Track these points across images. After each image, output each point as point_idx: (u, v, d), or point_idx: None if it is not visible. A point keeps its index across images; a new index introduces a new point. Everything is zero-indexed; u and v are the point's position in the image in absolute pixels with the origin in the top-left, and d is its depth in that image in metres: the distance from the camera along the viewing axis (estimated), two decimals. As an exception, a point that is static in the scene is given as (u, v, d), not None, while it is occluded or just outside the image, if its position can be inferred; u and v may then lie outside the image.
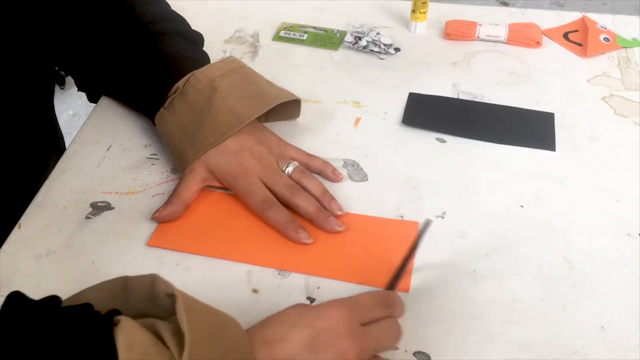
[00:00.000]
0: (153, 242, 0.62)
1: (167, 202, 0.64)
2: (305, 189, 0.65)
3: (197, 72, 0.67)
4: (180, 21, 0.76)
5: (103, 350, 0.40)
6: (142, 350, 0.41)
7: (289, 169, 0.66)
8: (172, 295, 0.44)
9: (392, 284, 0.56)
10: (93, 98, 0.79)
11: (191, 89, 0.66)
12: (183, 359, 0.41)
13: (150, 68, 0.70)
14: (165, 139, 0.68)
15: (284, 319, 0.49)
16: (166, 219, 0.63)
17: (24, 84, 0.70)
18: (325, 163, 0.69)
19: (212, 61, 0.72)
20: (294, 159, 0.68)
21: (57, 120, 0.84)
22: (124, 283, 0.47)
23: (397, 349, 0.53)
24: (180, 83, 0.67)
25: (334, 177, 0.68)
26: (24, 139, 0.73)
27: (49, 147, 0.80)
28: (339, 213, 0.64)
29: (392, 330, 0.52)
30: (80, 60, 0.76)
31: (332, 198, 0.65)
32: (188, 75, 0.67)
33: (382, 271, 0.59)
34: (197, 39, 0.77)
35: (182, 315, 0.42)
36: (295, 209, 0.64)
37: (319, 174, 0.69)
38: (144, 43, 0.71)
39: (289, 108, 0.73)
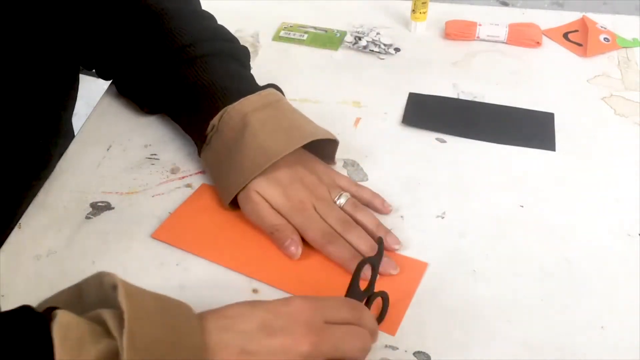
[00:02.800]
0: (158, 234, 0.62)
1: (280, 244, 0.60)
2: (358, 222, 0.62)
3: (230, 108, 0.64)
4: (224, 37, 0.74)
5: (38, 346, 0.39)
6: (77, 339, 0.40)
7: (341, 201, 0.63)
8: (115, 286, 0.43)
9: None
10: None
11: (225, 126, 0.64)
12: (123, 337, 0.40)
13: (188, 102, 0.68)
14: (209, 173, 0.67)
15: (245, 303, 0.48)
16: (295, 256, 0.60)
17: (41, 84, 0.70)
18: (374, 194, 0.65)
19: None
20: (344, 189, 0.65)
21: (70, 121, 0.84)
22: (78, 291, 0.46)
23: None
24: (215, 120, 0.64)
25: (383, 209, 0.65)
26: (29, 139, 0.73)
27: (51, 146, 0.79)
28: (396, 247, 0.61)
29: (357, 334, 0.50)
30: (121, 76, 0.76)
31: (387, 231, 0.62)
32: (222, 112, 0.64)
33: (373, 308, 0.56)
34: (240, 56, 0.74)
35: (121, 296, 0.41)
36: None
37: (367, 205, 0.65)
38: (179, 71, 0.69)
39: (324, 149, 0.68)
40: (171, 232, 0.62)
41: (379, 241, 0.57)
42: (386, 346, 0.54)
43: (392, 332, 0.55)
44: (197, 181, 0.68)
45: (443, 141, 0.74)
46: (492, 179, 0.69)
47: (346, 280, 0.55)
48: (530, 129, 0.76)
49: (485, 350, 0.54)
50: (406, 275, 0.59)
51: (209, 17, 0.76)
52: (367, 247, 0.60)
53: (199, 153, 0.68)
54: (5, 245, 0.62)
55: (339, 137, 0.72)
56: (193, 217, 0.64)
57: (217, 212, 0.65)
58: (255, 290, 0.58)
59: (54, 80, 0.73)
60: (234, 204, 0.64)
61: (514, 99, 0.79)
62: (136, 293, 0.43)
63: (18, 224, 0.64)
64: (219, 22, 0.76)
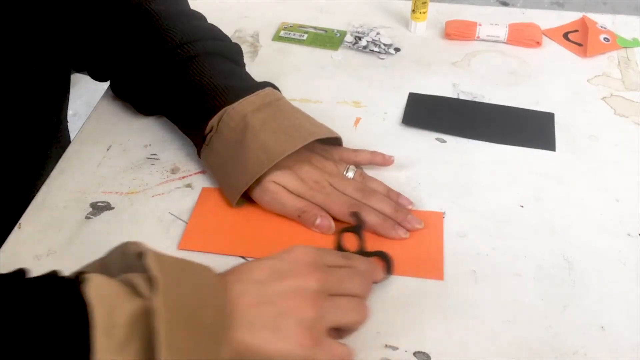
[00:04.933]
0: (184, 245, 0.62)
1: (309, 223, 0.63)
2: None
3: (230, 109, 0.65)
4: (216, 36, 0.74)
5: (72, 305, 0.41)
6: (111, 298, 0.42)
7: (350, 175, 0.66)
8: (141, 253, 0.45)
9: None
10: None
11: (225, 127, 0.64)
12: (157, 296, 0.42)
13: (186, 102, 0.68)
14: (212, 174, 0.68)
15: (253, 260, 0.53)
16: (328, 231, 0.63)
17: (37, 87, 0.70)
18: (372, 153, 0.68)
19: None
20: (345, 161, 0.68)
21: (65, 120, 0.84)
22: (101, 263, 0.48)
23: (363, 319, 0.53)
24: (214, 121, 0.65)
25: (386, 162, 0.68)
26: (27, 139, 0.73)
27: (50, 146, 0.80)
28: (410, 206, 0.65)
29: (356, 274, 0.54)
30: (116, 79, 0.76)
31: (398, 194, 0.65)
32: (221, 112, 0.65)
33: (415, 261, 0.60)
34: (234, 54, 0.74)
35: (150, 260, 0.44)
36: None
37: (368, 164, 0.68)
38: (175, 72, 0.69)
39: (327, 142, 0.69)
40: (196, 240, 0.62)
41: (356, 214, 0.62)
42: (386, 346, 0.54)
43: (440, 277, 0.59)
44: (197, 181, 0.68)
45: (443, 141, 0.74)
46: (492, 179, 0.69)
47: (380, 243, 0.61)
48: (530, 129, 0.76)
49: (485, 350, 0.54)
50: (428, 226, 0.63)
51: (200, 17, 0.76)
52: (390, 208, 0.63)
53: (199, 154, 0.68)
54: (5, 245, 0.62)
55: (339, 137, 0.72)
56: (210, 221, 0.64)
57: (231, 211, 0.65)
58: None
59: (51, 81, 0.73)
60: (241, 202, 0.65)
61: (514, 99, 0.80)
62: (162, 257, 0.46)
63: (18, 224, 0.64)
64: (220, 22, 0.76)
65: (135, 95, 0.75)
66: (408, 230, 0.62)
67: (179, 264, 0.47)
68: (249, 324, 0.47)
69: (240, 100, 0.65)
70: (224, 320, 0.46)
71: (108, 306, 0.41)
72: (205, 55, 0.70)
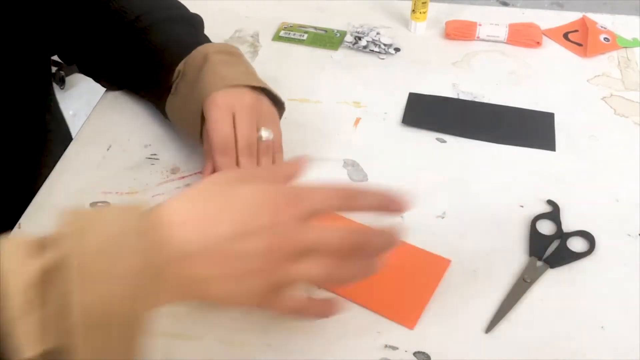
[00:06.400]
0: None
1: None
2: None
3: (194, 51, 0.67)
4: (170, 6, 0.76)
5: None
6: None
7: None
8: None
9: None
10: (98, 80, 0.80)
11: (189, 68, 0.67)
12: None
13: (146, 67, 0.71)
14: (175, 122, 0.70)
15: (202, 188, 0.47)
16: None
17: (18, 79, 0.70)
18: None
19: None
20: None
21: (60, 111, 0.84)
22: None
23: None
24: (181, 66, 0.67)
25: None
26: (22, 136, 0.73)
27: (42, 139, 0.79)
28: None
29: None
30: (80, 58, 0.78)
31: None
32: (187, 57, 0.67)
33: (394, 300, 0.57)
34: (194, 21, 0.77)
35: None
36: None
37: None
38: (133, 43, 0.72)
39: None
40: None
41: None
42: (386, 346, 0.54)
43: (411, 325, 0.55)
44: (197, 181, 0.68)
45: (443, 141, 0.74)
46: (492, 179, 0.69)
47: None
48: (530, 129, 0.76)
49: (485, 350, 0.54)
50: (429, 270, 0.59)
51: None
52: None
53: (164, 112, 0.70)
54: (5, 245, 0.62)
55: (338, 137, 0.72)
56: None
57: None
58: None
59: (30, 76, 0.72)
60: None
61: (514, 99, 0.80)
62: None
63: (18, 224, 0.64)
64: (220, 22, 0.77)
65: (99, 72, 0.78)
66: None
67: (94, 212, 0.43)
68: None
69: (205, 44, 0.68)
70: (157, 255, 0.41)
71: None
72: (164, 21, 0.73)
